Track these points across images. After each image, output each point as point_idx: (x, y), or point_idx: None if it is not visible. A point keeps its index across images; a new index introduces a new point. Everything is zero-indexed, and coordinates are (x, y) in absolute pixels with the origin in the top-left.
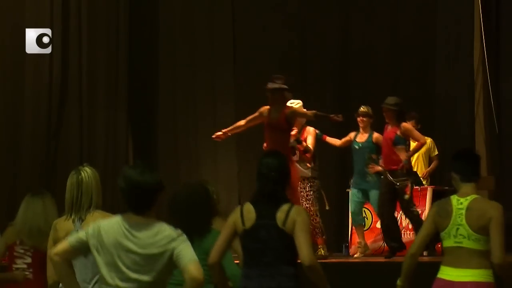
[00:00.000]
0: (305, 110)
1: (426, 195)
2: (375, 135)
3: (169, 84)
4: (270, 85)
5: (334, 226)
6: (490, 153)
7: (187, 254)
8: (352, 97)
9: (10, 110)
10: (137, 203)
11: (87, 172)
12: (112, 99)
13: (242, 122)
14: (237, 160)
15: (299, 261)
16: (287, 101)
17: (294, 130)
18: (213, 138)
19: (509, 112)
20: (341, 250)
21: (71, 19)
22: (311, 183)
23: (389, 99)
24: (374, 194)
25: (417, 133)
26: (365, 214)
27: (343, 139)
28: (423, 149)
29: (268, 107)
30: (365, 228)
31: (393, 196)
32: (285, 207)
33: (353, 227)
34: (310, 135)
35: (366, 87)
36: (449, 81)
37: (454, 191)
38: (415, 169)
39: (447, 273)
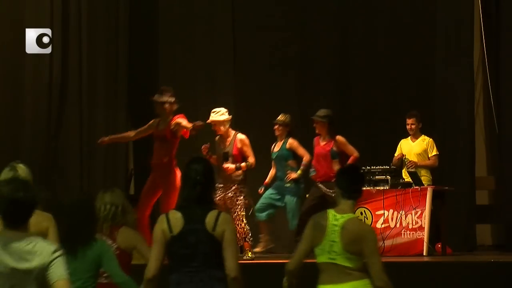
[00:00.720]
0: (186, 123)
1: (426, 195)
2: (290, 141)
3: (169, 83)
4: (155, 98)
5: None
6: (490, 153)
7: (58, 271)
8: (352, 97)
9: (10, 110)
10: (11, 218)
11: (21, 168)
12: (112, 99)
13: (131, 134)
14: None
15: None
16: (171, 112)
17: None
18: (98, 142)
19: (509, 112)
20: None
21: (71, 19)
22: (241, 189)
23: (320, 111)
24: (289, 199)
25: (350, 147)
26: (365, 214)
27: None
28: (420, 150)
29: (158, 119)
30: None
31: (320, 206)
32: (213, 212)
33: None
34: (244, 145)
35: (366, 87)
36: (449, 81)
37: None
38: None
39: None
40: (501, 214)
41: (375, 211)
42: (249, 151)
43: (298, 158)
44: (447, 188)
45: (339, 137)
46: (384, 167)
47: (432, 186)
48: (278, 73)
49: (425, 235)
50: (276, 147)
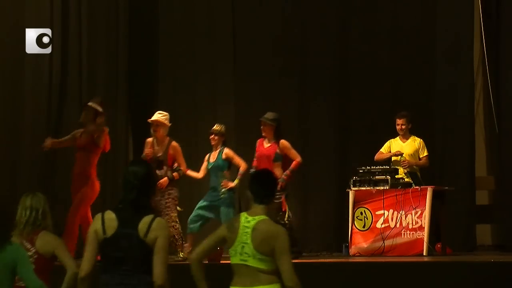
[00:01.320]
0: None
1: (426, 195)
2: (225, 151)
3: (169, 84)
4: (85, 103)
5: (334, 226)
6: (490, 153)
7: None
8: (352, 97)
9: (10, 110)
10: None
11: (39, 197)
12: (112, 99)
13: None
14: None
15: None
16: (93, 121)
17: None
18: (41, 146)
19: (509, 112)
20: (341, 250)
21: (71, 19)
22: (170, 191)
23: (268, 114)
24: (224, 210)
25: (294, 151)
26: (365, 214)
27: (203, 166)
28: (411, 150)
29: (80, 130)
30: (365, 228)
31: None
32: (147, 218)
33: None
34: (177, 153)
35: (366, 88)
36: (449, 81)
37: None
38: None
39: None
40: (501, 214)
41: (375, 211)
42: (181, 158)
43: (233, 167)
44: (447, 188)
45: (283, 141)
46: (384, 167)
47: (432, 186)
48: (279, 74)
49: (425, 235)
50: (212, 157)
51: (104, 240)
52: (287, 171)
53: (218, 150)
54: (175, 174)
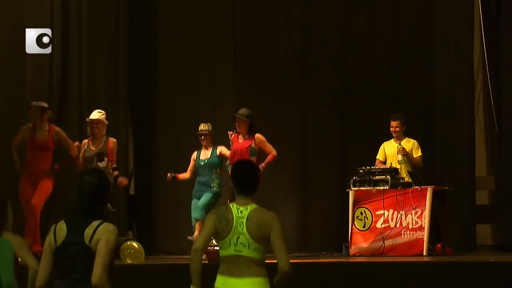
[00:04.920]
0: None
1: (426, 195)
2: (220, 148)
3: (169, 84)
4: (34, 103)
5: (334, 226)
6: (490, 153)
7: None
8: (353, 97)
9: (10, 110)
10: None
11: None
12: (112, 99)
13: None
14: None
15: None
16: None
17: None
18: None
19: (509, 112)
20: (341, 250)
21: (71, 19)
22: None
23: (242, 110)
24: (206, 194)
25: (269, 145)
26: (365, 214)
27: (190, 166)
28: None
29: (29, 125)
30: (365, 228)
31: None
32: (94, 224)
33: None
34: (115, 148)
35: (366, 88)
36: (449, 82)
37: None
38: (400, 170)
39: (224, 282)
40: (501, 214)
41: (375, 211)
42: (115, 154)
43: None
44: (447, 188)
45: (258, 135)
46: (384, 167)
47: (432, 186)
48: (279, 74)
49: (425, 235)
50: (204, 155)
51: (56, 249)
52: (263, 164)
53: (211, 148)
54: (116, 172)
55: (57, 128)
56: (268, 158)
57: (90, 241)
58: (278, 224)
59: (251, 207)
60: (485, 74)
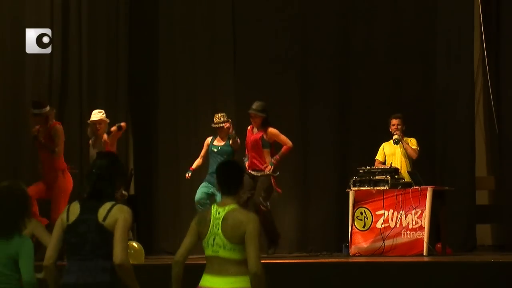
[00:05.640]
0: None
1: (426, 195)
2: (234, 137)
3: (169, 84)
4: (36, 112)
5: (334, 226)
6: (490, 153)
7: None
8: (353, 97)
9: (10, 110)
10: None
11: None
12: (112, 99)
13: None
14: (236, 160)
15: None
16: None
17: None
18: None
19: (509, 112)
20: (341, 250)
21: (71, 19)
22: None
23: (256, 104)
24: None
25: (283, 137)
26: (365, 214)
27: (202, 152)
28: (403, 149)
29: (36, 128)
30: (365, 228)
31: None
32: (108, 204)
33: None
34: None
35: (366, 88)
36: (449, 81)
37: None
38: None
39: (207, 280)
40: (501, 214)
41: (375, 211)
42: (114, 147)
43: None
44: (447, 188)
45: (271, 129)
46: (384, 167)
47: (432, 186)
48: (279, 73)
49: (425, 235)
50: (218, 141)
51: (67, 227)
52: (276, 156)
53: (226, 138)
54: None
55: (57, 126)
56: (283, 149)
57: (104, 219)
58: (253, 224)
59: (229, 207)
60: (485, 74)
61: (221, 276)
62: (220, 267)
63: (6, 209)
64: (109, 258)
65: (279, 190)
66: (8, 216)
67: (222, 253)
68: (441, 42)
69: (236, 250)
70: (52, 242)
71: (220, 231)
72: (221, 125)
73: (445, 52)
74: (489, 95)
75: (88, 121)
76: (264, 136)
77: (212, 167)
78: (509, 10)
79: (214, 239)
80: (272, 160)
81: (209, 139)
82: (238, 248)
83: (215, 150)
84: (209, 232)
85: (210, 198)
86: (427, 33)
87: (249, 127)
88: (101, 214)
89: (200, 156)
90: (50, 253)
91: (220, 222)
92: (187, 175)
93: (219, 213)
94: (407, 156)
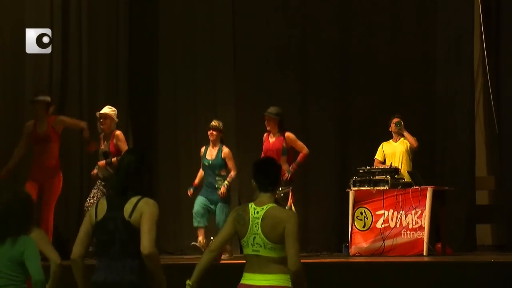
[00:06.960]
0: (78, 121)
1: (426, 195)
2: (224, 151)
3: (169, 84)
4: (35, 98)
5: (334, 226)
6: (490, 153)
7: None
8: (353, 97)
9: (10, 110)
10: None
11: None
12: (112, 99)
13: (20, 150)
14: (237, 160)
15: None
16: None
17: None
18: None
19: (509, 112)
20: (341, 250)
21: (71, 19)
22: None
23: (272, 108)
24: (221, 205)
25: (300, 143)
26: (365, 214)
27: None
28: (403, 148)
29: (31, 122)
30: (365, 228)
31: None
32: (134, 199)
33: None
34: (119, 141)
35: (366, 88)
36: (449, 81)
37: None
38: (400, 168)
39: (248, 278)
40: (501, 214)
41: (375, 211)
42: (123, 146)
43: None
44: (447, 188)
45: (288, 134)
46: (384, 167)
47: (432, 186)
48: (279, 73)
49: (425, 235)
50: (210, 155)
51: (96, 224)
52: (293, 164)
53: (217, 147)
54: (113, 159)
55: (57, 118)
56: (299, 157)
57: (130, 216)
58: (293, 222)
59: (267, 206)
60: (485, 74)
61: (262, 273)
62: (261, 265)
63: (12, 212)
64: (137, 257)
65: (290, 203)
66: (13, 219)
67: (263, 252)
68: (441, 42)
69: (276, 249)
70: (79, 236)
71: (260, 230)
72: (210, 131)
73: (445, 52)
74: (489, 95)
75: (96, 114)
76: (284, 144)
77: (207, 179)
78: (509, 10)
79: (254, 238)
80: (290, 168)
81: (202, 150)
82: (278, 247)
83: (206, 164)
84: (248, 231)
85: (207, 212)
86: (427, 33)
87: (265, 135)
88: (127, 210)
89: (201, 168)
90: (77, 248)
91: (260, 222)
92: (189, 192)
93: (257, 212)
94: (407, 155)
